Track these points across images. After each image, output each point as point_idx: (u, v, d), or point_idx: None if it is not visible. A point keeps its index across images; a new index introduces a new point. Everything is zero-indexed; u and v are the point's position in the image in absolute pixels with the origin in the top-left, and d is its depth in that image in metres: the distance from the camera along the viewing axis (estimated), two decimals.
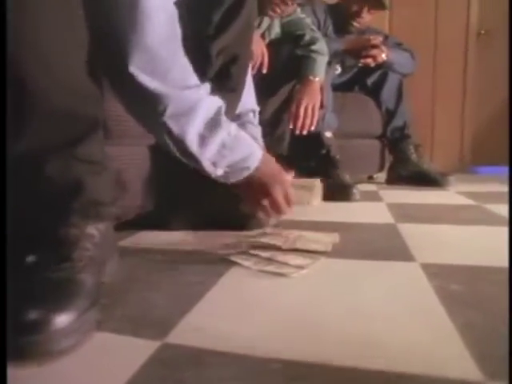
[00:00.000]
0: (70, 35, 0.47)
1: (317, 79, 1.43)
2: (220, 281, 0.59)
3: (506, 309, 0.48)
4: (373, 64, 1.80)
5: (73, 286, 0.44)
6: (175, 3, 0.75)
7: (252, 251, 0.70)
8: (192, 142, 0.63)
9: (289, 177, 0.83)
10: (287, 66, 1.43)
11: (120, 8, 0.54)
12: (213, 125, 0.64)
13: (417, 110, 2.08)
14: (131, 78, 0.55)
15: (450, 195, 1.53)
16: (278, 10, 1.31)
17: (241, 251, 0.70)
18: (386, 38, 2.01)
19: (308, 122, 1.42)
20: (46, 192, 0.48)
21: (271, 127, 1.42)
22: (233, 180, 0.72)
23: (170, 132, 0.61)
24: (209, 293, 0.54)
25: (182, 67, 0.61)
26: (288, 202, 0.79)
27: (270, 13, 1.32)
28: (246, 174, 0.71)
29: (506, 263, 0.66)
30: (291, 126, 1.43)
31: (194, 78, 0.63)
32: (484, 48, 2.64)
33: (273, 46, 1.44)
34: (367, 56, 1.77)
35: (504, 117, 2.69)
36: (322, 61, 1.44)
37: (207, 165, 0.66)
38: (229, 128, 0.67)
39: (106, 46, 0.53)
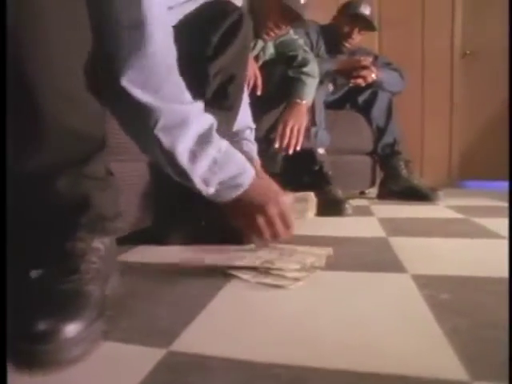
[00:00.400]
0: (80, 57, 0.50)
1: (304, 102, 1.48)
2: (220, 293, 0.61)
3: (491, 314, 0.51)
4: (363, 84, 1.85)
5: (81, 298, 0.46)
6: (175, 26, 0.79)
7: (250, 264, 0.72)
8: (182, 156, 0.62)
9: (286, 197, 0.79)
10: (280, 86, 1.47)
11: (120, 25, 0.56)
12: (204, 141, 0.64)
13: (406, 127, 2.14)
14: (123, 92, 0.56)
15: (440, 209, 1.56)
16: (272, 34, 1.36)
17: (239, 265, 0.72)
18: (375, 57, 2.08)
19: (293, 141, 1.45)
20: (54, 207, 0.50)
21: (265, 145, 1.45)
22: (225, 198, 0.70)
23: (160, 145, 0.60)
24: (210, 304, 0.57)
25: (175, 84, 0.62)
26: (286, 224, 0.75)
27: (265, 36, 1.37)
28: (238, 192, 0.69)
29: (492, 273, 0.69)
30: (277, 146, 1.45)
31: (187, 95, 0.63)
32: (469, 67, 2.73)
33: (267, 66, 1.49)
34: (358, 77, 1.82)
35: (490, 133, 2.76)
36: (311, 83, 1.49)
37: (198, 182, 0.65)
38: (220, 145, 0.66)
39: (100, 59, 0.54)
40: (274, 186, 0.78)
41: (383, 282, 0.66)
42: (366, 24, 1.87)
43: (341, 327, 0.49)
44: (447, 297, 0.58)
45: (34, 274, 0.56)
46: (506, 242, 0.93)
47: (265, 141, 1.46)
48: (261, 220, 0.73)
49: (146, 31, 0.57)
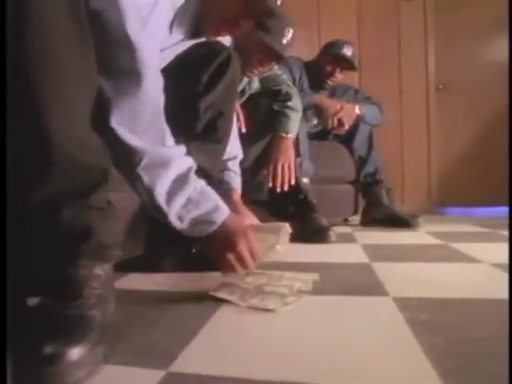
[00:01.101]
0: (87, 100, 0.54)
1: (290, 136, 1.54)
2: (213, 316, 0.64)
3: (466, 332, 0.56)
4: (342, 132, 1.96)
5: (84, 322, 0.49)
6: (167, 66, 0.84)
7: (237, 289, 0.74)
8: (160, 194, 0.67)
9: (252, 227, 0.85)
10: (266, 119, 1.54)
11: (117, 71, 0.62)
12: (182, 181, 0.70)
13: (387, 157, 2.22)
14: (112, 132, 0.61)
15: (420, 235, 1.62)
16: (256, 71, 1.43)
17: (228, 290, 0.74)
18: (356, 92, 2.19)
19: (286, 178, 1.51)
20: (58, 236, 0.53)
21: (252, 174, 1.50)
22: (198, 234, 0.74)
23: (142, 182, 0.66)
24: (204, 327, 0.59)
25: (160, 130, 0.68)
26: (253, 255, 0.78)
27: (249, 73, 1.44)
28: (210, 228, 0.73)
29: (467, 295, 0.74)
30: (270, 185, 1.50)
31: (170, 140, 0.69)
32: (443, 100, 2.88)
33: (253, 99, 1.56)
34: (338, 125, 1.93)
35: (465, 161, 2.88)
36: (295, 117, 1.56)
37: (173, 218, 0.70)
38: (195, 185, 0.71)
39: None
40: (242, 220, 0.84)
41: (366, 304, 0.70)
42: (348, 64, 1.99)
43: (328, 346, 0.52)
44: (426, 317, 0.62)
45: (31, 301, 0.59)
46: (481, 266, 0.99)
47: (251, 170, 1.51)
48: (231, 256, 0.76)
49: (139, 79, 0.62)
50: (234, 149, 1.06)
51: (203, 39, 0.93)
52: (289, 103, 1.54)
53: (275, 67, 1.64)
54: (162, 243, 0.99)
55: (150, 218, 0.99)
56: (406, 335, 0.55)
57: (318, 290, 0.78)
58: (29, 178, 0.51)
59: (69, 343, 0.45)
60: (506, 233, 1.58)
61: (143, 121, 0.64)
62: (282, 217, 1.41)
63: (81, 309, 0.50)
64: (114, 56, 0.60)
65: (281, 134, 1.53)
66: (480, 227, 1.84)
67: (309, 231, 1.45)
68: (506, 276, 0.87)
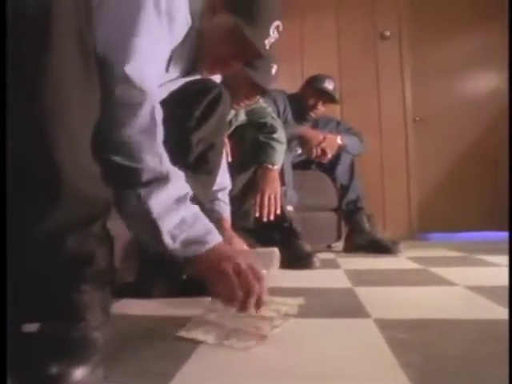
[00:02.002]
0: (90, 131, 0.59)
1: (275, 167, 1.61)
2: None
3: (441, 350, 0.60)
4: (325, 161, 2.04)
5: (87, 344, 0.52)
6: (162, 102, 0.90)
7: (217, 318, 0.75)
8: (155, 209, 0.69)
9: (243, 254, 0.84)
10: (251, 150, 1.60)
11: (118, 103, 0.68)
12: (178, 202, 0.72)
13: (368, 185, 2.31)
14: (110, 160, 0.66)
15: (400, 261, 1.67)
16: (242, 104, 1.51)
17: (203, 328, 0.71)
18: (338, 124, 2.30)
19: (273, 209, 1.57)
20: (63, 262, 0.57)
21: (238, 203, 1.55)
22: (189, 254, 0.72)
23: (138, 198, 0.69)
24: (198, 349, 0.63)
25: (158, 154, 0.71)
26: (257, 278, 0.73)
27: (235, 106, 1.51)
28: (203, 248, 0.72)
29: (443, 316, 0.79)
30: (257, 214, 1.55)
31: (167, 162, 0.72)
32: (420, 131, 3.02)
33: (239, 130, 1.62)
34: (322, 154, 2.01)
35: (443, 189, 2.99)
36: (280, 149, 1.63)
37: (166, 236, 0.70)
38: (191, 208, 0.75)
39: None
40: (237, 247, 0.86)
41: (349, 326, 0.75)
42: (330, 98, 2.10)
43: (314, 364, 0.56)
44: (404, 336, 0.66)
45: (27, 328, 0.62)
46: (457, 289, 1.04)
47: (238, 199, 1.56)
48: (228, 266, 0.72)
49: (136, 112, 0.68)
50: (223, 180, 1.11)
51: (196, 77, 0.99)
52: (274, 135, 1.61)
53: (260, 100, 1.72)
54: (151, 270, 1.02)
55: (141, 245, 1.04)
56: (386, 353, 0.59)
57: (304, 313, 0.82)
58: (36, 208, 0.54)
59: (73, 364, 0.48)
60: (480, 257, 1.66)
61: (141, 147, 0.68)
62: (267, 244, 1.45)
63: (84, 331, 0.53)
64: (115, 90, 0.66)
65: (267, 166, 1.59)
66: (457, 252, 1.91)
67: (294, 258, 1.49)
68: (479, 298, 0.93)
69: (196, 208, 0.76)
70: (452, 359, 0.57)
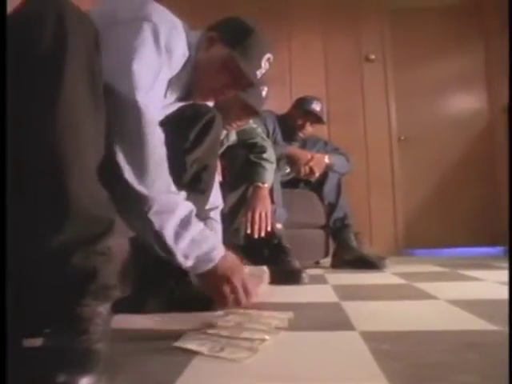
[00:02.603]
0: (97, 156, 0.64)
1: (266, 185, 1.67)
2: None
3: (421, 359, 0.65)
4: (313, 179, 2.11)
5: (91, 355, 0.56)
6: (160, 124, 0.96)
7: (212, 331, 0.79)
8: (169, 235, 0.77)
9: (245, 269, 0.95)
10: (242, 169, 1.66)
11: (124, 135, 0.73)
12: (186, 223, 0.80)
13: (355, 203, 2.38)
14: (125, 184, 0.72)
15: (386, 276, 1.72)
16: (234, 125, 1.57)
17: (198, 341, 0.74)
18: (325, 143, 2.37)
19: (263, 225, 1.62)
20: (68, 278, 0.61)
21: (229, 221, 1.60)
22: (199, 270, 0.84)
23: (152, 226, 0.76)
24: (193, 360, 0.66)
25: (166, 179, 0.79)
26: (247, 292, 0.88)
27: (227, 126, 1.57)
28: (210, 265, 0.83)
29: (424, 328, 0.84)
30: (249, 231, 1.60)
31: (173, 187, 0.81)
32: (404, 150, 3.12)
33: (230, 150, 1.68)
34: (310, 172, 2.08)
35: (427, 206, 3.08)
36: (270, 168, 1.69)
37: (180, 256, 0.80)
38: (198, 226, 0.83)
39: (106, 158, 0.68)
40: (236, 259, 0.93)
41: (336, 338, 0.79)
42: (317, 119, 2.18)
43: (302, 373, 0.61)
44: (387, 347, 0.71)
45: (27, 342, 0.65)
46: (438, 302, 1.10)
47: (229, 217, 1.60)
48: (226, 289, 0.86)
49: (145, 137, 0.73)
50: (216, 199, 1.15)
51: (189, 101, 1.05)
52: (264, 155, 1.67)
53: (251, 121, 1.78)
54: (147, 285, 1.06)
55: (137, 261, 1.08)
56: (370, 362, 0.64)
57: (293, 326, 0.86)
58: (46, 226, 0.58)
59: (79, 373, 0.52)
60: (463, 272, 1.72)
61: (151, 173, 0.75)
62: (257, 261, 1.50)
63: (88, 343, 0.57)
64: (123, 119, 0.71)
65: (258, 184, 1.64)
66: (441, 267, 1.97)
67: (283, 274, 1.53)
68: (458, 310, 0.98)
69: (201, 224, 0.84)
70: (430, 367, 0.61)
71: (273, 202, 1.71)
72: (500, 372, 0.58)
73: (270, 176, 1.68)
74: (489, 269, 1.87)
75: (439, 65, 3.23)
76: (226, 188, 1.48)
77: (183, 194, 0.83)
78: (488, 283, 1.44)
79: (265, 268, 1.24)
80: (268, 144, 1.75)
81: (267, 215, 1.63)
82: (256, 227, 1.60)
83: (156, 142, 0.77)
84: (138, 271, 1.04)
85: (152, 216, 0.75)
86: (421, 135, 3.16)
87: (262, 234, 1.62)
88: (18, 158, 0.56)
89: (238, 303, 0.89)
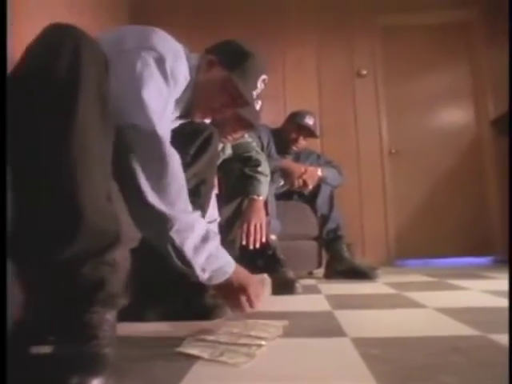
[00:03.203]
0: (106, 175, 0.69)
1: (261, 198, 1.72)
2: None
3: (408, 362, 0.70)
4: (306, 191, 2.16)
5: (101, 359, 0.60)
6: None
7: (211, 338, 0.84)
8: (189, 251, 0.85)
9: (256, 278, 1.03)
10: (237, 182, 1.70)
11: (149, 161, 0.80)
12: (203, 240, 0.87)
13: (348, 214, 2.42)
14: (149, 205, 0.80)
15: (378, 286, 1.77)
16: (230, 138, 1.62)
17: (199, 347, 0.79)
18: (318, 157, 2.43)
19: (258, 237, 1.66)
20: (78, 287, 0.65)
21: (225, 232, 1.64)
22: (215, 282, 0.91)
23: (173, 243, 0.83)
24: (195, 364, 0.70)
25: (185, 200, 0.87)
26: (258, 297, 0.97)
27: (223, 140, 1.62)
28: (224, 277, 0.91)
29: (411, 334, 0.89)
30: (244, 243, 1.64)
31: (190, 207, 0.88)
32: (396, 162, 3.19)
33: (226, 164, 1.73)
34: (303, 184, 2.13)
35: (417, 217, 3.14)
36: (265, 181, 1.74)
37: (198, 270, 0.87)
38: (214, 243, 0.90)
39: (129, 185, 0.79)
40: (246, 271, 1.00)
41: (328, 344, 0.83)
42: (310, 132, 2.24)
43: (297, 374, 0.65)
44: (377, 352, 0.76)
45: (35, 349, 0.68)
46: (426, 310, 1.14)
47: (224, 228, 1.64)
48: (242, 298, 0.95)
49: (166, 165, 0.82)
50: (214, 212, 1.20)
51: (188, 119, 1.11)
52: (259, 168, 1.73)
53: (246, 135, 1.84)
54: (146, 294, 1.09)
55: (138, 271, 1.11)
56: (360, 365, 0.68)
57: (288, 333, 0.90)
58: (58, 239, 0.63)
59: (90, 376, 0.56)
60: (451, 281, 1.77)
61: (172, 195, 0.82)
62: (252, 271, 1.54)
63: (97, 348, 0.61)
64: (144, 148, 0.80)
65: (253, 197, 1.69)
66: (430, 277, 2.02)
67: (277, 284, 1.56)
68: (444, 318, 1.03)
69: (216, 241, 0.91)
70: (416, 369, 0.66)
71: (267, 213, 1.76)
72: (480, 373, 0.64)
73: (264, 189, 1.73)
74: (477, 278, 1.93)
75: (428, 80, 3.32)
76: (221, 200, 1.52)
77: (198, 212, 0.90)
78: (475, 292, 1.49)
79: (266, 276, 1.30)
80: (262, 157, 1.80)
81: (262, 227, 1.68)
82: (251, 239, 1.65)
83: (176, 166, 0.84)
84: (138, 281, 1.08)
85: (173, 234, 0.82)
86: (411, 148, 3.24)
87: (258, 246, 1.66)
88: (34, 176, 0.61)
89: (251, 307, 0.97)
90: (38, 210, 0.62)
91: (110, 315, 0.67)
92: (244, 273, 0.98)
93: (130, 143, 0.79)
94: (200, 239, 0.86)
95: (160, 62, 0.87)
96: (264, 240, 1.68)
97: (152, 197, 0.80)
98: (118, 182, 0.80)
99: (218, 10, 3.19)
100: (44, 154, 0.61)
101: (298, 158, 2.37)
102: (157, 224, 0.82)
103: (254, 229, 1.65)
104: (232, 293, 0.94)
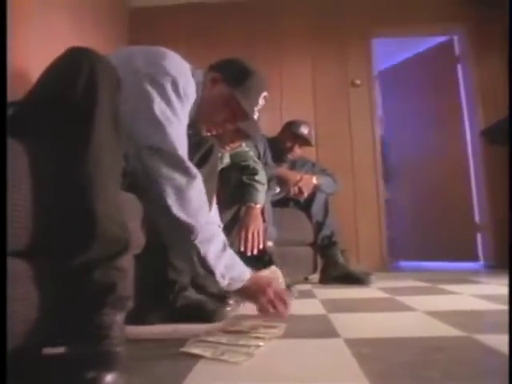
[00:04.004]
0: (117, 186, 0.74)
1: (258, 205, 1.77)
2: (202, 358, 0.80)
3: (394, 360, 0.75)
4: (302, 199, 2.22)
5: (113, 356, 0.65)
6: None
7: (212, 339, 0.89)
8: (211, 259, 0.93)
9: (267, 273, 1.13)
10: (235, 190, 1.76)
11: (173, 182, 0.90)
12: (223, 250, 0.97)
13: (342, 221, 2.48)
14: (174, 217, 0.88)
15: (371, 291, 1.82)
16: (228, 148, 1.68)
17: (201, 347, 0.84)
18: (313, 165, 2.49)
19: (256, 243, 1.72)
20: (91, 291, 0.70)
21: None
22: (233, 288, 1.01)
23: (198, 252, 0.93)
24: (198, 363, 0.76)
25: (206, 211, 0.96)
26: (283, 301, 1.07)
27: (221, 149, 1.68)
28: (241, 284, 1.01)
29: (399, 335, 0.94)
30: (242, 249, 1.69)
31: (211, 218, 0.97)
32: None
33: (224, 172, 1.78)
34: (299, 192, 2.19)
35: (412, 223, 3.21)
36: (262, 189, 1.80)
37: (218, 276, 0.95)
38: (230, 253, 0.99)
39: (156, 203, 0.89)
40: (265, 276, 1.12)
41: (323, 344, 0.89)
42: (305, 141, 2.31)
43: (293, 371, 0.71)
44: (367, 351, 0.81)
45: (49, 350, 0.74)
46: (416, 313, 1.20)
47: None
48: (263, 300, 1.04)
49: (190, 183, 0.91)
50: (215, 219, 1.26)
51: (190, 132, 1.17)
52: (256, 177, 1.78)
53: (243, 144, 1.90)
54: (149, 298, 1.14)
55: (140, 276, 1.16)
56: (351, 363, 0.74)
57: (285, 335, 0.96)
58: (74, 246, 0.68)
59: (105, 370, 0.61)
60: (442, 286, 1.83)
61: (195, 207, 0.91)
62: None
63: (109, 346, 0.66)
64: (170, 169, 0.90)
65: (250, 205, 1.75)
66: (422, 282, 2.08)
67: None
68: (432, 320, 1.09)
69: (231, 251, 1.01)
70: (403, 366, 0.72)
71: (264, 220, 1.82)
72: (462, 370, 0.69)
73: (261, 196, 1.79)
74: (467, 283, 1.99)
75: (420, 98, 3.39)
76: (219, 208, 1.58)
77: (218, 223, 1.01)
78: (464, 296, 1.55)
79: (276, 268, 1.37)
80: (259, 166, 1.86)
81: (260, 233, 1.73)
82: (249, 245, 1.70)
83: (197, 182, 0.93)
84: (141, 285, 1.13)
85: (199, 243, 0.92)
86: (405, 157, 3.31)
87: (255, 252, 1.71)
88: (53, 189, 0.66)
89: (278, 313, 1.07)
90: (56, 220, 0.67)
91: (120, 317, 0.72)
92: (261, 278, 1.08)
93: (156, 165, 0.89)
94: (220, 249, 0.95)
95: (174, 85, 0.95)
96: (261, 246, 1.73)
97: (177, 210, 0.88)
98: (143, 198, 0.91)
99: (217, 27, 3.26)
100: (63, 168, 0.66)
101: (293, 166, 2.42)
102: (182, 235, 0.90)
103: (251, 235, 1.71)
104: (252, 297, 1.04)
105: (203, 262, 0.94)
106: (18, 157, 0.64)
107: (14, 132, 0.67)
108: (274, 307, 1.05)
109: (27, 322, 0.65)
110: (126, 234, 0.75)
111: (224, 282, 0.98)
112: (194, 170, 0.94)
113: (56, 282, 0.70)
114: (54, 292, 0.70)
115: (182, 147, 0.93)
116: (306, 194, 2.20)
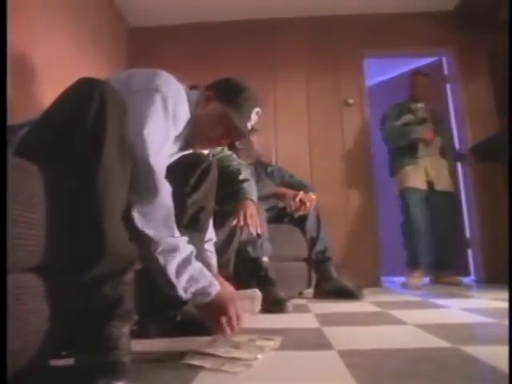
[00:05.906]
0: (123, 205, 0.80)
1: (249, 200, 1.79)
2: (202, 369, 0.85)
3: (384, 369, 0.80)
4: (301, 212, 2.26)
5: (122, 365, 0.69)
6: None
7: (211, 351, 0.92)
8: (172, 271, 0.92)
9: (238, 298, 1.08)
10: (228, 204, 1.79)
11: (141, 189, 0.89)
12: (186, 262, 0.94)
13: (336, 237, 2.52)
14: (136, 229, 0.88)
15: (364, 305, 1.86)
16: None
17: (201, 359, 0.88)
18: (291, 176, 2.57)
19: (254, 224, 1.75)
20: (99, 304, 0.74)
21: (219, 254, 1.73)
22: (197, 303, 0.97)
23: (158, 263, 0.91)
24: (199, 374, 0.80)
25: (171, 227, 0.94)
26: (239, 319, 1.01)
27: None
28: (207, 299, 0.96)
29: (389, 346, 0.99)
30: (242, 224, 1.72)
31: (177, 232, 0.95)
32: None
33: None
34: (300, 206, 2.23)
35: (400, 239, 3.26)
36: (248, 185, 1.83)
37: (180, 290, 0.93)
38: (197, 265, 0.97)
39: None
40: (229, 290, 1.07)
41: (317, 355, 0.93)
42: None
43: (289, 380, 0.75)
44: (359, 361, 0.86)
45: (57, 362, 0.78)
46: (406, 327, 1.25)
47: (219, 250, 1.74)
48: (223, 319, 0.99)
49: (156, 193, 0.91)
50: (210, 233, 1.31)
51: (189, 151, 1.23)
52: (240, 177, 1.82)
53: (225, 149, 1.92)
54: (148, 312, 1.18)
55: (140, 290, 1.20)
56: (344, 372, 0.78)
57: (281, 347, 1.00)
58: (84, 262, 0.72)
59: (115, 378, 0.66)
60: (433, 300, 1.88)
61: (158, 220, 0.91)
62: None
63: (118, 357, 0.70)
64: (139, 176, 0.87)
65: (242, 201, 1.78)
66: (414, 297, 2.13)
67: (269, 303, 1.64)
68: (422, 332, 1.14)
69: (199, 264, 0.98)
70: (391, 374, 0.77)
71: (259, 236, 1.86)
72: (447, 377, 0.74)
73: (252, 191, 1.82)
74: (457, 297, 2.04)
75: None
76: (215, 225, 1.63)
77: (185, 238, 0.97)
78: (453, 310, 1.60)
79: (257, 290, 1.39)
80: (243, 166, 1.89)
81: (256, 218, 1.76)
82: (249, 221, 1.72)
83: (165, 195, 0.93)
84: (139, 299, 1.16)
85: (158, 255, 0.90)
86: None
87: (259, 231, 1.76)
88: (66, 208, 0.71)
89: (232, 329, 1.01)
90: (68, 238, 0.72)
91: (126, 329, 0.77)
92: (228, 294, 1.02)
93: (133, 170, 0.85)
94: (183, 262, 0.93)
95: (163, 101, 0.99)
96: (259, 231, 1.77)
97: (139, 220, 0.88)
98: None
99: (214, 47, 3.36)
100: (75, 189, 0.71)
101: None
102: (143, 245, 0.89)
103: (249, 216, 1.73)
104: (212, 314, 0.99)
105: (163, 273, 0.91)
106: (34, 178, 0.69)
107: (28, 153, 0.73)
108: (232, 328, 1.00)
109: (40, 333, 0.68)
110: (132, 251, 0.79)
111: (186, 296, 0.94)
112: (165, 184, 0.93)
113: (68, 296, 0.74)
114: (65, 305, 0.74)
115: (156, 159, 0.92)
116: (308, 205, 2.23)
